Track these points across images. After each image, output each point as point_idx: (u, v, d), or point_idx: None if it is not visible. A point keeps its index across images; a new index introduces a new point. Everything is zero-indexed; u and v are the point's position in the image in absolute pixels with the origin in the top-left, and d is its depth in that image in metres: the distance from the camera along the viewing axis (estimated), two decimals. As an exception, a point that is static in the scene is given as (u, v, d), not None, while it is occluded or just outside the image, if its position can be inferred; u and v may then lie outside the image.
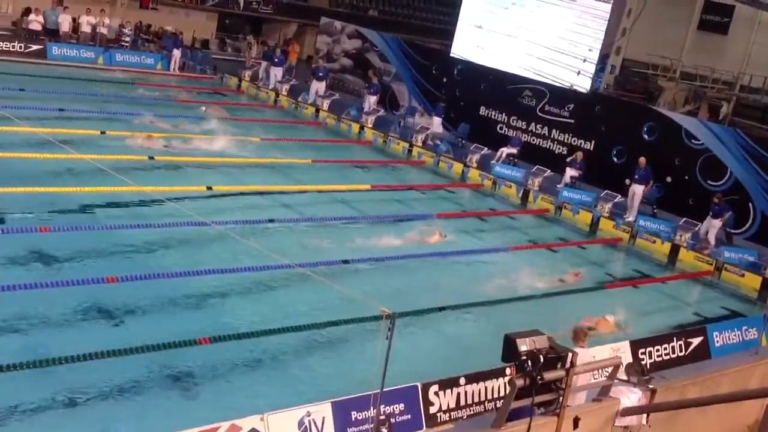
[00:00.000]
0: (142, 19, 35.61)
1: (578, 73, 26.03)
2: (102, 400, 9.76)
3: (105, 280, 12.63)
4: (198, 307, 12.78)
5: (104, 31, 31.36)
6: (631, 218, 21.61)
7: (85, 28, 31.00)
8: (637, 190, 21.94)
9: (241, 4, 38.37)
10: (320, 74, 30.84)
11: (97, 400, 9.74)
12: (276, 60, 31.66)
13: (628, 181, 22.13)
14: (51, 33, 30.25)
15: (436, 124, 27.65)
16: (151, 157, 19.70)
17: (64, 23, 30.57)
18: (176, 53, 31.77)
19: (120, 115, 23.36)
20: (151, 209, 16.33)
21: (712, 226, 20.63)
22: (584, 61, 25.99)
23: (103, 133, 20.96)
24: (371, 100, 29.40)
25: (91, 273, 12.86)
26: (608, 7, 25.66)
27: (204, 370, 10.84)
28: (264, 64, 32.38)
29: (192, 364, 10.87)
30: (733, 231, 21.59)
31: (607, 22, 25.75)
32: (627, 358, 11.87)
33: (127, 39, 32.30)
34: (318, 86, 30.47)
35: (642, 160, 22.23)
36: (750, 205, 21.69)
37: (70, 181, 17.27)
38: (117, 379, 10.15)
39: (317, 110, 29.39)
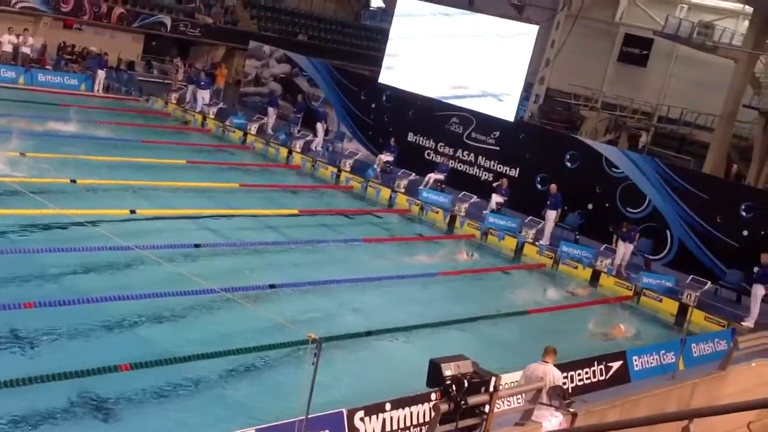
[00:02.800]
0: (65, 39, 34.93)
1: (502, 101, 26.48)
2: (17, 429, 9.44)
3: (22, 305, 12.27)
4: (119, 333, 12.51)
5: (27, 50, 30.64)
6: (544, 242, 22.14)
7: (6, 48, 30.23)
8: (550, 215, 22.53)
9: (169, 27, 37.98)
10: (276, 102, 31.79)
11: (10, 428, 9.41)
12: (202, 83, 31.48)
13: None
14: (-31, 52, 29.47)
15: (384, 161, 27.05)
16: (73, 181, 19.25)
17: (-8, 42, 29.80)
18: (101, 74, 31.26)
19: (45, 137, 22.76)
20: (72, 232, 15.95)
21: (627, 250, 21.17)
22: (508, 90, 26.45)
23: (22, 155, 20.35)
24: (322, 127, 29.29)
25: (7, 298, 12.45)
26: (533, 37, 26.22)
27: (125, 397, 10.59)
28: (191, 87, 32.14)
29: (113, 391, 10.61)
30: (651, 257, 22.21)
31: (531, 52, 26.31)
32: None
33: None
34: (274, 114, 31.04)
35: (553, 186, 22.87)
36: (667, 232, 22.32)
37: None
38: (34, 408, 9.84)
39: (245, 134, 29.22)
